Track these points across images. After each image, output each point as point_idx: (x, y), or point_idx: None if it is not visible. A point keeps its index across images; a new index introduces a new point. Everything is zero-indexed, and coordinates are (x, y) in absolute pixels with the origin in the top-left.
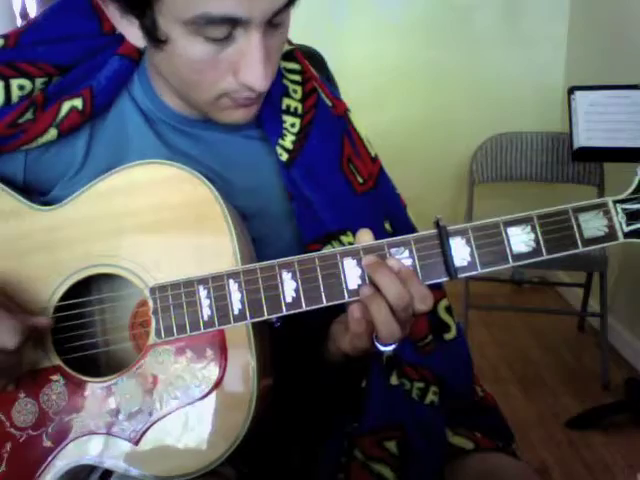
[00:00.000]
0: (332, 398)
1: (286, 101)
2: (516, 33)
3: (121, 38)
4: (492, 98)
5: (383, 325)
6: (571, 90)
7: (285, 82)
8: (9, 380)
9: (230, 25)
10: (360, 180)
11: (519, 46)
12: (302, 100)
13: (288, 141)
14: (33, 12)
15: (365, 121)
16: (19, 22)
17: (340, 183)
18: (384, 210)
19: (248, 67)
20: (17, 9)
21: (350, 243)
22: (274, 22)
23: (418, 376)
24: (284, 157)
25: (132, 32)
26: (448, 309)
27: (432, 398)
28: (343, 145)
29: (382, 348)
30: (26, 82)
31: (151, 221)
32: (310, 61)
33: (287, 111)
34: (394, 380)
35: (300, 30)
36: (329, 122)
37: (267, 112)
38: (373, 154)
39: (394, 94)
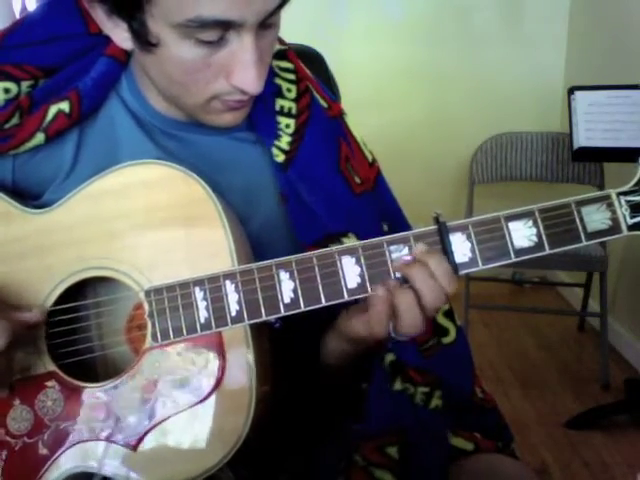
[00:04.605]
0: (332, 400)
1: (280, 102)
2: (516, 33)
3: (108, 39)
4: (492, 98)
5: (407, 313)
6: (571, 90)
7: (278, 81)
8: (1, 386)
9: (223, 28)
10: (358, 181)
11: (519, 46)
12: (296, 100)
13: (284, 142)
14: None
15: (365, 121)
16: None
17: (339, 184)
18: (382, 212)
19: (241, 70)
20: (17, 9)
21: None
22: (267, 23)
23: (422, 380)
24: (280, 158)
25: (118, 34)
26: (447, 313)
27: (437, 402)
28: (340, 146)
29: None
30: (11, 85)
31: (144, 222)
32: (310, 61)
33: (281, 112)
34: (398, 385)
35: (300, 30)
36: (324, 123)
37: (259, 113)
38: (370, 158)
39: (394, 94)
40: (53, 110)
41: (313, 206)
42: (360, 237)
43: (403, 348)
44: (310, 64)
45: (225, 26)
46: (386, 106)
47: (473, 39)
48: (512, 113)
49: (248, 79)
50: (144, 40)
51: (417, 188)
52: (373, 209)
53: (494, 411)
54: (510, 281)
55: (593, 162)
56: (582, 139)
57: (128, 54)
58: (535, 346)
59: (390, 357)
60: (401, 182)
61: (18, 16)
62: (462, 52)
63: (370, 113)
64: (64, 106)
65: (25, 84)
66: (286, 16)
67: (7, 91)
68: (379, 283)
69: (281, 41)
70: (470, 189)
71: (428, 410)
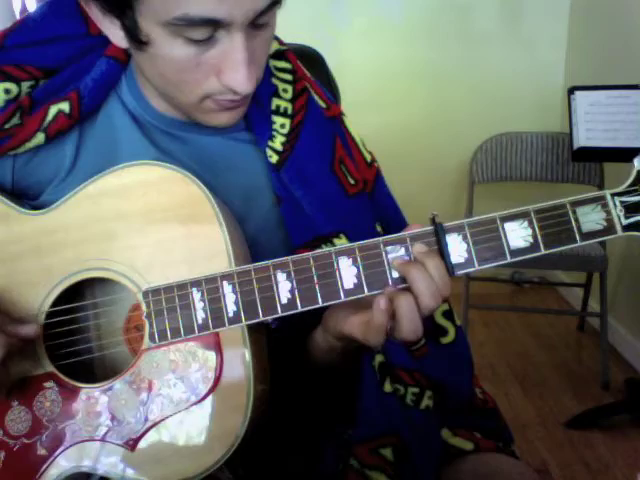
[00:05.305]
0: (325, 400)
1: (276, 101)
2: (516, 33)
3: (108, 39)
4: (492, 98)
5: (406, 316)
6: (571, 90)
7: (275, 81)
8: None
9: (211, 27)
10: (352, 181)
11: (519, 46)
12: (292, 100)
13: (278, 142)
14: None
15: (365, 121)
16: None
17: (332, 184)
18: (378, 213)
19: (231, 69)
20: (17, 9)
21: None
22: (258, 23)
23: (412, 380)
24: (274, 159)
25: (114, 33)
26: (446, 313)
27: (427, 403)
28: (335, 146)
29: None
30: (12, 86)
31: (142, 223)
32: (309, 62)
33: (277, 112)
34: (388, 387)
35: (300, 30)
36: (321, 123)
37: (256, 114)
38: (369, 159)
39: (394, 94)
40: (53, 110)
41: (306, 207)
42: (352, 238)
43: (392, 349)
44: (310, 64)
45: (214, 25)
46: (386, 106)
47: (473, 39)
48: (512, 113)
49: (238, 79)
50: (136, 38)
51: (417, 188)
52: (366, 210)
53: (494, 411)
54: (510, 281)
55: (593, 162)
56: (582, 139)
57: (128, 55)
58: (535, 346)
59: (379, 358)
60: (401, 182)
61: (18, 16)
62: (462, 52)
63: (370, 113)
64: (64, 106)
65: (25, 84)
66: (286, 16)
67: (8, 92)
68: (381, 295)
69: (280, 42)
70: (470, 189)
71: (419, 411)
